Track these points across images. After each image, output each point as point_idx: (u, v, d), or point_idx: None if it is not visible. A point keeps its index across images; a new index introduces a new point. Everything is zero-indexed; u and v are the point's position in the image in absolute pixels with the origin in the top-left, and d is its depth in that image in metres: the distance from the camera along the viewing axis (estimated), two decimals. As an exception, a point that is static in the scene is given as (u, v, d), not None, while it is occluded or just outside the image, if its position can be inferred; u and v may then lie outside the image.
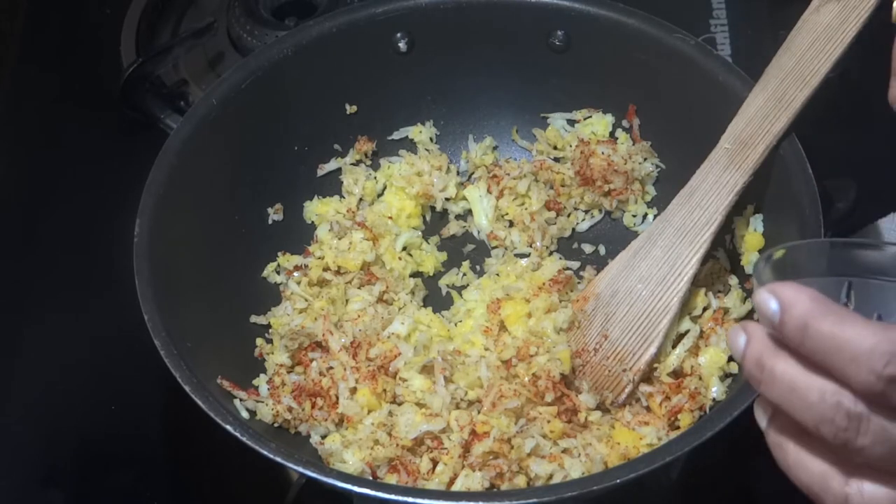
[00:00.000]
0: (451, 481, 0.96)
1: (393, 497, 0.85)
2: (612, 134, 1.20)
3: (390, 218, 1.19)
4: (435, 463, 0.98)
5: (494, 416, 0.99)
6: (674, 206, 1.05)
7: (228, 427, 0.89)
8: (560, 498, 0.85)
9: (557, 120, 1.22)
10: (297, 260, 1.14)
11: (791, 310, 0.64)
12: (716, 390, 1.00)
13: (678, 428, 1.00)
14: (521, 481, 0.96)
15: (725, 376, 1.01)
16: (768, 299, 0.65)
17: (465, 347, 1.06)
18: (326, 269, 1.13)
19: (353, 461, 0.98)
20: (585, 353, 1.05)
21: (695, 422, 0.99)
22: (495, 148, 1.24)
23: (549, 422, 0.99)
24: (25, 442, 1.11)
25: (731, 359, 1.01)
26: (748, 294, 1.05)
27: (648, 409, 1.02)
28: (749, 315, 1.04)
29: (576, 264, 1.16)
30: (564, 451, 0.98)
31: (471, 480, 0.95)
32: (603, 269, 1.11)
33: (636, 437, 0.98)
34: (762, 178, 1.03)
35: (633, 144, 1.19)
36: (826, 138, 1.14)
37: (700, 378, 1.01)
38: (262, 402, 1.02)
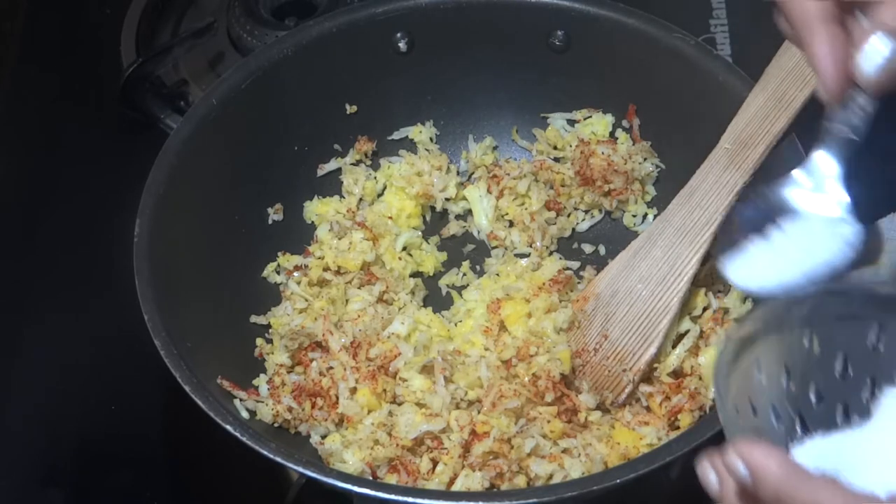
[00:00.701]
0: (452, 481, 0.96)
1: (393, 497, 0.85)
2: (612, 134, 1.20)
3: (390, 218, 1.19)
4: (435, 463, 0.98)
5: (494, 416, 0.99)
6: (674, 206, 1.05)
7: (228, 427, 0.89)
8: (560, 498, 0.85)
9: (557, 120, 1.22)
10: (297, 260, 1.14)
11: (762, 479, 0.64)
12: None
13: (678, 428, 1.00)
14: (521, 481, 0.96)
15: None
16: (737, 463, 0.65)
17: (465, 347, 1.06)
18: (326, 269, 1.13)
19: (353, 461, 0.98)
20: (585, 353, 1.05)
21: (695, 422, 0.99)
22: (495, 148, 1.24)
23: (549, 422, 0.99)
24: (25, 442, 1.11)
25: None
26: (748, 294, 1.05)
27: (648, 409, 1.02)
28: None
29: (576, 264, 1.16)
30: (564, 451, 0.98)
31: (471, 480, 0.95)
32: (603, 269, 1.11)
33: (636, 437, 0.98)
34: (762, 177, 1.03)
35: (633, 144, 1.19)
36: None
37: (700, 378, 1.01)
38: (262, 402, 1.02)
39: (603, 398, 1.02)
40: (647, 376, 1.03)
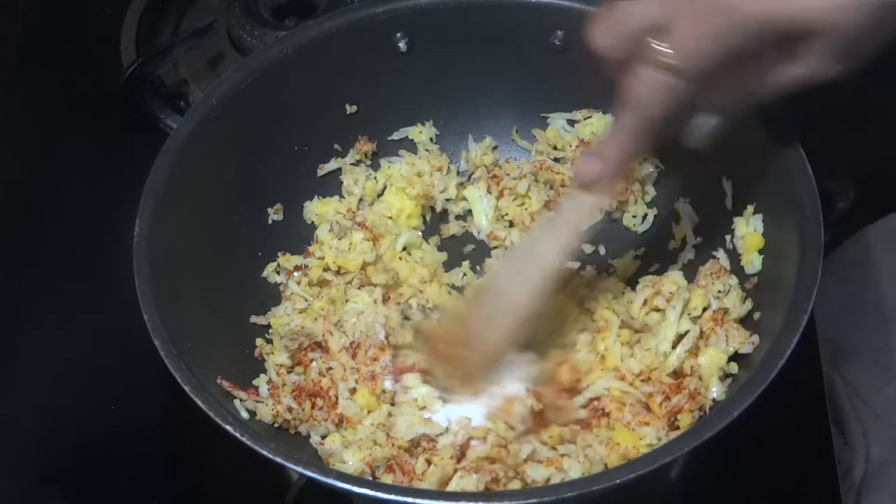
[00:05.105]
0: (444, 483, 0.95)
1: (393, 497, 0.85)
2: (612, 134, 1.20)
3: (390, 218, 1.19)
4: (430, 464, 0.98)
5: (492, 421, 0.98)
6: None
7: (228, 427, 0.88)
8: (560, 498, 0.85)
9: (557, 120, 1.22)
10: (297, 260, 1.14)
11: None
12: (716, 390, 1.00)
13: (678, 428, 1.00)
14: (516, 486, 0.95)
15: (725, 376, 1.01)
16: None
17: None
18: (326, 269, 1.13)
19: (353, 461, 0.98)
20: (455, 342, 1.03)
21: (695, 422, 0.99)
22: (495, 148, 1.24)
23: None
24: (25, 442, 1.11)
25: (731, 359, 1.01)
26: (748, 294, 1.05)
27: (648, 409, 1.02)
28: (748, 315, 1.03)
29: (576, 264, 1.15)
30: (563, 455, 0.97)
31: (465, 482, 0.94)
32: (601, 267, 1.10)
33: (636, 437, 0.98)
34: (762, 178, 1.03)
35: (633, 144, 1.19)
36: (826, 138, 1.14)
37: (700, 378, 1.01)
38: (262, 402, 1.02)
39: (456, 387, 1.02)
40: (647, 377, 1.03)
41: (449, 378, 1.02)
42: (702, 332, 1.04)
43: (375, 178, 1.21)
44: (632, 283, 1.12)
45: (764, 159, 1.02)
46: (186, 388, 0.91)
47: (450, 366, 1.03)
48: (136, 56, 1.36)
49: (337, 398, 1.02)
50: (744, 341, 1.00)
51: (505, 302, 1.01)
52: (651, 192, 1.19)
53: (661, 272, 1.11)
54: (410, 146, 1.23)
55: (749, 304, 1.04)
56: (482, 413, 1.01)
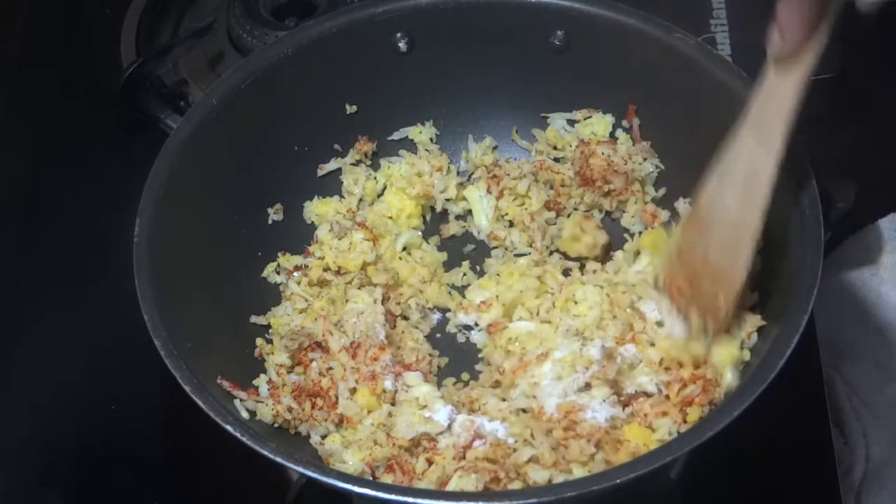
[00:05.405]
0: (444, 482, 0.95)
1: (393, 497, 0.85)
2: (612, 134, 1.20)
3: (390, 218, 1.19)
4: (430, 464, 0.98)
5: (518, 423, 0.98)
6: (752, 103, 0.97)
7: (228, 427, 0.89)
8: (560, 498, 0.85)
9: (557, 120, 1.22)
10: (297, 260, 1.14)
11: None
12: (731, 377, 0.99)
13: (686, 422, 0.99)
14: (517, 487, 0.95)
15: (739, 364, 1.00)
16: None
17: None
18: (326, 269, 1.13)
19: (353, 461, 0.98)
20: (695, 278, 1.01)
21: (701, 417, 0.99)
22: (495, 148, 1.24)
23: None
24: (25, 442, 1.11)
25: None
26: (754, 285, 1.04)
27: (668, 397, 1.00)
28: (752, 308, 1.03)
29: (576, 264, 1.15)
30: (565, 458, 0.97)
31: (465, 482, 0.94)
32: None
33: (647, 434, 0.97)
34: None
35: (633, 144, 1.19)
36: (826, 138, 1.14)
37: (714, 368, 1.00)
38: (262, 402, 1.02)
39: (707, 328, 1.00)
40: (667, 365, 1.01)
41: (702, 316, 1.00)
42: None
43: (375, 178, 1.21)
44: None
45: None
46: (186, 388, 0.91)
47: (697, 300, 1.01)
48: (136, 56, 1.36)
49: (337, 398, 1.02)
50: (755, 324, 0.99)
51: (735, 226, 0.97)
52: (651, 192, 1.19)
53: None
54: (410, 146, 1.23)
55: (756, 296, 1.03)
56: (515, 407, 1.01)
